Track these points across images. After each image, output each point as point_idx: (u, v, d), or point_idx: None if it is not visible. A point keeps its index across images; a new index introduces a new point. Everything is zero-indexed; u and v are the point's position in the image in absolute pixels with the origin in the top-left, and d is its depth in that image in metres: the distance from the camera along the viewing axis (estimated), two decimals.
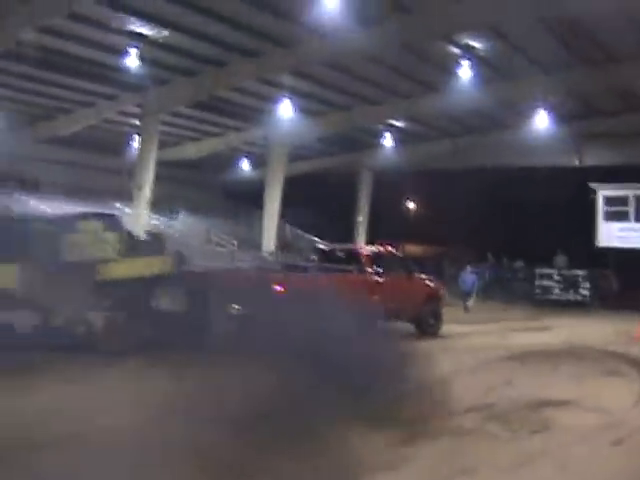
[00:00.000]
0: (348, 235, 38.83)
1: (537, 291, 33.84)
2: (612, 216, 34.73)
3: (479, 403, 10.63)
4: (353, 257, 19.17)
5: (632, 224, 34.00)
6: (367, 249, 19.81)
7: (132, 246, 14.46)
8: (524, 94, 29.79)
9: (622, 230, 34.27)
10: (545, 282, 33.75)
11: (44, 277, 12.65)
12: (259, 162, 40.62)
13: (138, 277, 13.91)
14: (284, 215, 36.91)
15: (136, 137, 33.66)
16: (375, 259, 19.23)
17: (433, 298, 20.85)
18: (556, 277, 33.46)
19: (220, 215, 39.31)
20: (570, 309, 30.37)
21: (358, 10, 21.42)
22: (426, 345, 17.37)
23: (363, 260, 18.83)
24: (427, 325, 20.19)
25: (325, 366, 10.47)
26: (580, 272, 32.88)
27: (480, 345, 18.07)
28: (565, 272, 33.45)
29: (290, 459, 7.43)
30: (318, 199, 37.35)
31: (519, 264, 36.99)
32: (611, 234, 34.52)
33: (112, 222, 14.50)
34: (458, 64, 25.39)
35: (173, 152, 38.60)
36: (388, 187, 40.88)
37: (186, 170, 41.77)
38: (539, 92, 29.44)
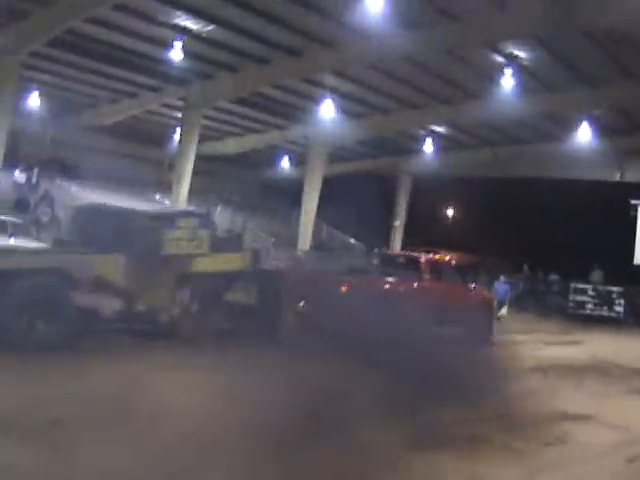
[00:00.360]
0: (384, 238, 38.81)
1: (571, 305, 33.42)
2: None
3: (497, 412, 10.58)
4: (412, 264, 19.45)
5: None
6: (426, 257, 20.01)
7: (217, 242, 15.40)
8: (567, 106, 29.65)
9: None
10: (579, 297, 33.35)
11: (141, 268, 13.66)
12: (299, 161, 40.80)
13: (218, 271, 14.95)
14: (321, 214, 36.96)
15: (178, 130, 33.87)
16: (433, 267, 19.52)
17: (486, 306, 20.93)
18: (591, 292, 33.07)
19: (258, 211, 39.46)
20: (603, 325, 29.99)
21: (403, 14, 21.44)
22: (458, 352, 17.35)
23: (422, 267, 19.07)
24: (480, 333, 20.05)
25: (377, 363, 11.51)
26: (615, 289, 32.49)
27: (509, 355, 18.00)
28: (600, 288, 33.06)
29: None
30: (356, 201, 37.31)
31: (554, 277, 36.59)
32: None
33: (205, 220, 15.52)
34: (501, 73, 25.29)
35: (214, 146, 38.90)
36: (426, 193, 40.83)
37: (226, 165, 42.08)
38: (582, 105, 29.32)
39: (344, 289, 16.57)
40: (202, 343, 13.62)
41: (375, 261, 20.77)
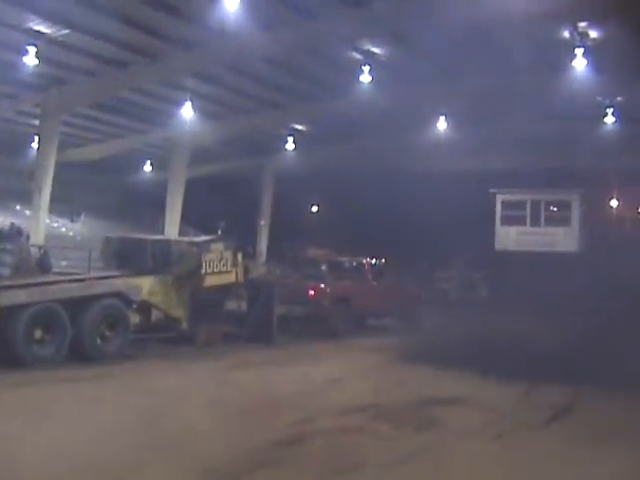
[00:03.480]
0: (251, 238, 38.88)
1: (437, 292, 34.21)
2: (509, 220, 35.32)
3: None
4: (357, 266, 23.62)
5: (528, 228, 34.72)
6: (367, 260, 23.96)
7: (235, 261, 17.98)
8: (425, 99, 30.35)
9: (519, 234, 34.94)
10: (444, 284, 34.23)
11: (169, 286, 16.41)
12: (162, 164, 40.29)
13: (222, 284, 17.45)
14: (186, 218, 36.69)
15: (36, 137, 32.94)
16: (372, 267, 23.82)
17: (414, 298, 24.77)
18: (455, 280, 33.99)
19: (122, 217, 38.87)
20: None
21: (260, 14, 21.49)
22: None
23: (365, 268, 23.25)
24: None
25: None
26: (477, 275, 33.50)
27: None
28: (464, 274, 34.01)
29: None
30: (222, 202, 37.30)
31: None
32: (508, 237, 35.15)
33: (229, 243, 17.99)
34: (360, 70, 25.71)
35: (75, 153, 38.08)
36: (292, 191, 41.02)
37: (89, 172, 41.16)
38: (440, 97, 30.03)
39: (311, 292, 20.38)
40: (218, 347, 16.61)
41: (324, 267, 24.03)
